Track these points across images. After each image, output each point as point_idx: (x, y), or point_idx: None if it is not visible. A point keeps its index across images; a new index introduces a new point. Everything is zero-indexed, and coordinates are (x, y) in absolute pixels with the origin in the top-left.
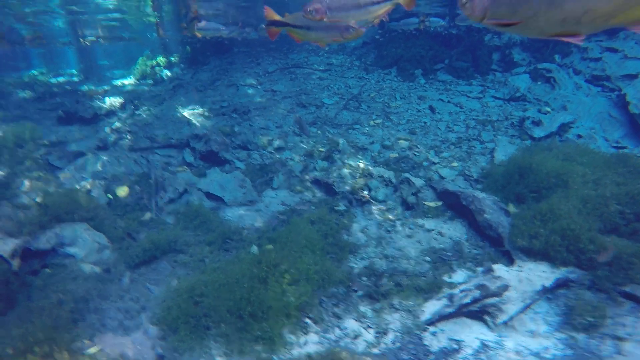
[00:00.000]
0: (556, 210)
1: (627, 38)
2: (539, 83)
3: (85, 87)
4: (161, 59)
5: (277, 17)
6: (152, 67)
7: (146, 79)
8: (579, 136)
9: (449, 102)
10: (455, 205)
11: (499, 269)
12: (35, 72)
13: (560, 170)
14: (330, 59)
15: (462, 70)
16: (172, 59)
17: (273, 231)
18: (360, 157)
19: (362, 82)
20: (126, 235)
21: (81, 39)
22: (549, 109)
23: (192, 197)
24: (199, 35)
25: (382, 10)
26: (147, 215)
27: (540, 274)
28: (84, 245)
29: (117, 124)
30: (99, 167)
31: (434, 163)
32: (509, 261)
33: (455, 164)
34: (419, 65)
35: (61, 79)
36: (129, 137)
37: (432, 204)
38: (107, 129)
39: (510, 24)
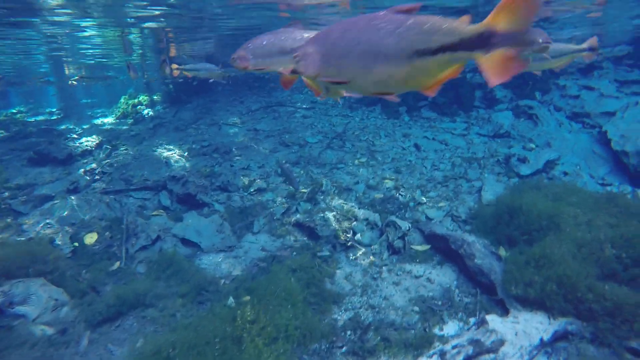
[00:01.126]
0: (550, 255)
1: (600, 77)
2: (521, 120)
3: (63, 126)
4: (144, 98)
5: None
6: (134, 106)
7: (127, 117)
8: (565, 173)
9: (433, 139)
10: (444, 249)
11: (493, 320)
12: (14, 111)
13: (551, 212)
14: (314, 97)
15: (446, 106)
16: (155, 97)
17: (252, 280)
18: (344, 198)
19: (346, 120)
20: (90, 289)
21: (69, 81)
22: (533, 146)
23: (166, 244)
24: (174, 74)
25: None
26: (116, 265)
27: (537, 326)
28: (38, 303)
29: (92, 165)
30: (66, 212)
31: (421, 203)
32: (503, 311)
33: (442, 204)
34: (403, 102)
35: (40, 118)
36: (104, 179)
37: (419, 247)
38: (81, 171)
39: (340, 82)
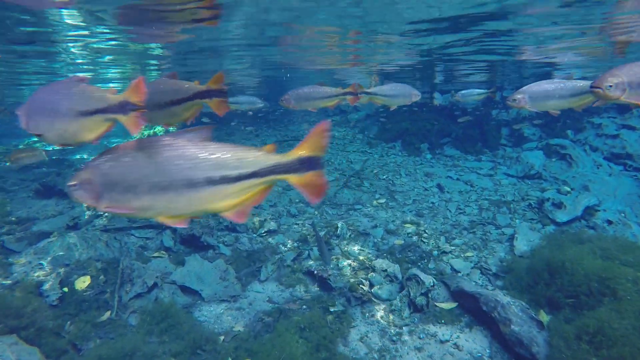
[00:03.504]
0: (608, 330)
1: None
2: (553, 160)
3: (77, 156)
4: (160, 129)
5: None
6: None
7: None
8: (609, 222)
9: (458, 179)
10: (473, 309)
11: None
12: (34, 139)
13: (603, 274)
14: (332, 131)
15: (470, 144)
16: (171, 129)
17: (255, 339)
18: (361, 244)
19: (364, 157)
20: (70, 346)
21: None
22: (568, 189)
23: (164, 292)
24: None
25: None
26: (106, 315)
27: None
28: None
29: None
30: (62, 251)
31: (445, 252)
32: None
33: (469, 253)
34: (425, 139)
35: (55, 147)
36: (106, 215)
37: (445, 305)
38: (85, 205)
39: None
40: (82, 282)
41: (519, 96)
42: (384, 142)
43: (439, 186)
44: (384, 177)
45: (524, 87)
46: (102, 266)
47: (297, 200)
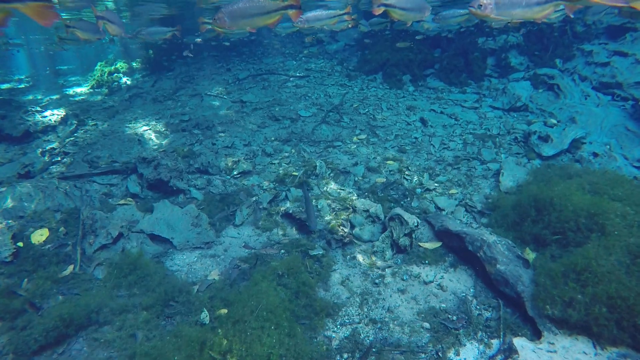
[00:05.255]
0: (596, 267)
1: (635, 40)
2: (540, 91)
3: (29, 97)
4: (121, 65)
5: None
6: (110, 74)
7: (102, 87)
8: (595, 154)
9: (441, 113)
10: (457, 248)
11: (523, 346)
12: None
13: (592, 209)
14: (309, 63)
15: (454, 75)
16: (134, 64)
17: (230, 287)
18: (341, 183)
19: (343, 90)
20: (28, 305)
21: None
22: (555, 121)
23: (131, 242)
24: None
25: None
26: (69, 270)
27: (579, 357)
28: None
29: (53, 144)
30: (12, 202)
31: (429, 190)
32: (534, 332)
33: (453, 190)
34: (407, 70)
35: (5, 86)
36: (64, 161)
37: (429, 245)
38: (39, 151)
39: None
40: (40, 236)
41: (485, 1)
42: (364, 74)
43: (422, 120)
44: (364, 111)
45: None
46: (62, 217)
47: (272, 139)
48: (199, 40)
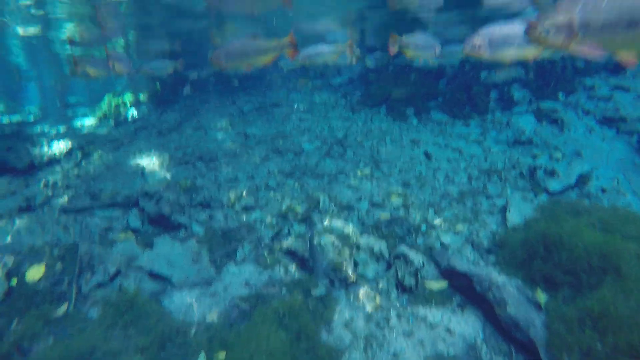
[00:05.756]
0: (614, 313)
1: (636, 76)
2: (544, 124)
3: (37, 129)
4: (128, 97)
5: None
6: (117, 106)
7: (109, 119)
8: (603, 190)
9: (446, 146)
10: (465, 288)
11: None
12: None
13: (605, 249)
14: (313, 96)
15: (457, 108)
16: (141, 96)
17: (230, 328)
18: (345, 218)
19: (347, 124)
20: (15, 349)
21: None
22: (560, 155)
23: (129, 280)
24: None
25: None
26: (63, 309)
27: None
28: None
29: (56, 177)
30: (11, 237)
31: (434, 226)
32: None
33: (459, 226)
34: (410, 103)
35: (15, 118)
36: (66, 193)
37: (435, 284)
38: (42, 183)
39: None
40: (36, 272)
41: (478, 42)
42: (368, 107)
43: (426, 154)
44: (368, 145)
45: (482, 30)
46: (60, 252)
47: (275, 172)
48: (195, 76)
